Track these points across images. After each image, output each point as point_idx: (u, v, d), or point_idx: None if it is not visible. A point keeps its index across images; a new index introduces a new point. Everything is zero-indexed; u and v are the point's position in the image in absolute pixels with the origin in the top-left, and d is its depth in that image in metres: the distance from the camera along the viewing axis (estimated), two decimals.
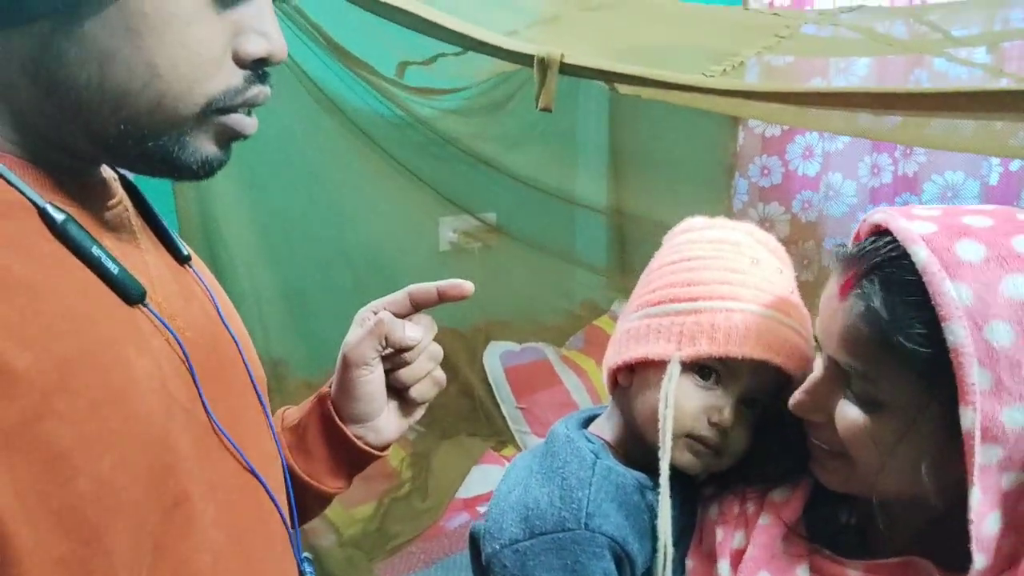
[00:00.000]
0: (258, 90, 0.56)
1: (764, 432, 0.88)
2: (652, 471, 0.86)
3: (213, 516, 0.58)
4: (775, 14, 1.69)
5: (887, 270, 0.67)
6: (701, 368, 0.85)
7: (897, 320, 0.65)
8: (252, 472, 0.64)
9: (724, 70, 1.36)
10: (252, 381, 0.70)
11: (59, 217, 0.52)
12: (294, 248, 2.30)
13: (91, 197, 0.58)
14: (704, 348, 0.83)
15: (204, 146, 0.55)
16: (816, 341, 0.79)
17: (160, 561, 0.53)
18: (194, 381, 0.59)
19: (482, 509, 2.16)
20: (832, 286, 0.73)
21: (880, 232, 0.71)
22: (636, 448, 0.91)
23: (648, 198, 2.92)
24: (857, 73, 2.30)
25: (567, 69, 1.10)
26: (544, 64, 1.11)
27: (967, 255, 0.63)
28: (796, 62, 2.17)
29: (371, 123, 2.33)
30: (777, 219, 2.55)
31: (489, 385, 2.64)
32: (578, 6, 1.78)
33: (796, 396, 0.76)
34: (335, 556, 2.02)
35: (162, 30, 0.49)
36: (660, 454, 0.83)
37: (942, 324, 0.61)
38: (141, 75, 0.50)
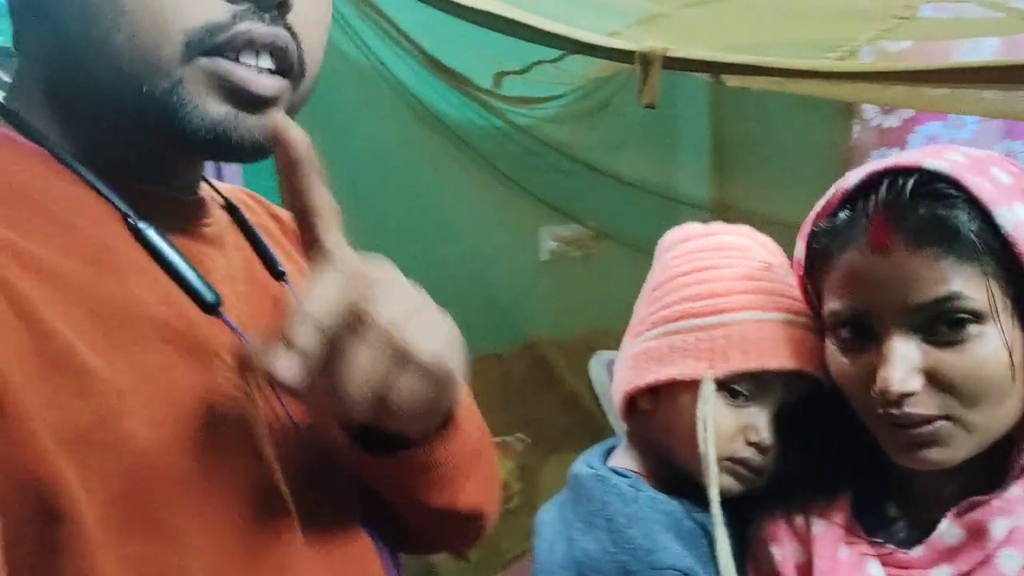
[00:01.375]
0: (248, 26, 0.49)
1: (793, 440, 0.82)
2: (691, 495, 0.82)
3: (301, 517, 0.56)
4: None
5: (923, 196, 0.67)
6: (730, 386, 0.79)
7: (955, 220, 0.66)
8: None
9: (839, 57, 1.27)
10: None
11: (140, 223, 0.52)
12: (393, 261, 2.31)
13: (185, 214, 0.58)
14: (738, 364, 0.78)
15: (207, 104, 0.50)
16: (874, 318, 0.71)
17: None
18: (275, 392, 0.57)
19: None
20: (860, 253, 0.69)
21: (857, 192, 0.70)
22: (669, 474, 0.86)
23: (755, 195, 2.80)
24: (984, 56, 2.14)
25: (671, 63, 1.05)
26: (646, 59, 1.06)
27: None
28: (914, 47, 2.03)
29: (467, 133, 2.33)
30: None
31: (596, 396, 2.59)
32: (680, 3, 1.72)
33: (888, 374, 0.69)
34: (448, 570, 2.02)
35: None
36: (705, 481, 0.78)
37: (993, 211, 0.65)
38: (108, 13, 0.47)
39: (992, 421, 0.69)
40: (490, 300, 2.50)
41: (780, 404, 0.81)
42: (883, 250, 0.67)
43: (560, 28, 1.14)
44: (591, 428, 2.57)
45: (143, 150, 0.55)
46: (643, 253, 2.70)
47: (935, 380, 0.68)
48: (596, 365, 2.65)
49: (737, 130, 2.79)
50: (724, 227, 0.90)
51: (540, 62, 2.09)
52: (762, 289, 0.81)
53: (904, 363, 0.68)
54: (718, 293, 0.82)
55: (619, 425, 2.68)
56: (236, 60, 0.50)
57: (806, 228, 0.77)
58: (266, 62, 0.51)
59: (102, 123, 0.53)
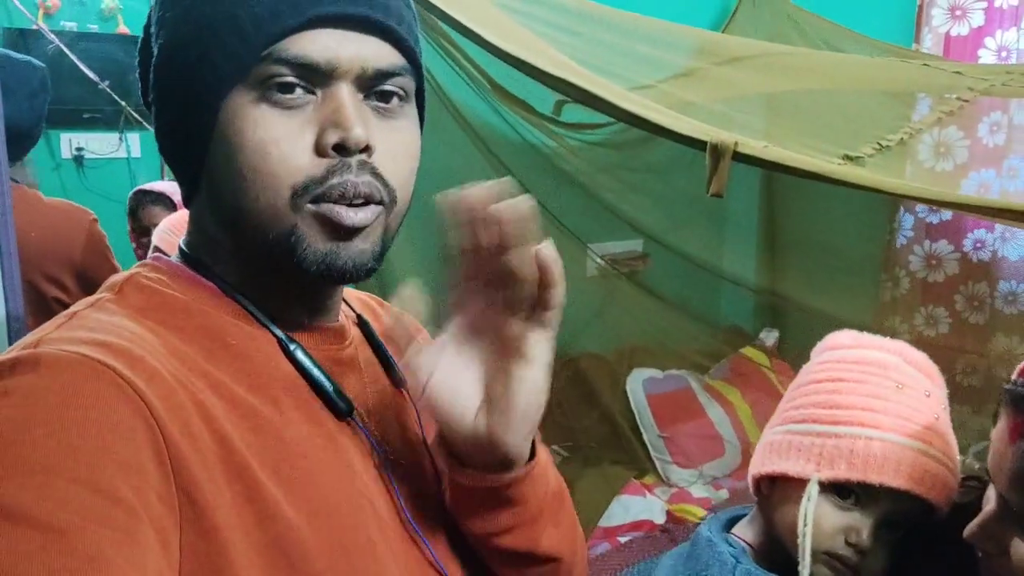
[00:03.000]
0: (339, 179, 0.58)
1: (911, 554, 0.88)
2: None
3: None
4: (957, 72, 1.59)
5: None
6: (840, 489, 0.87)
7: None
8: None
9: (901, 139, 1.32)
10: (446, 503, 0.73)
11: (291, 346, 0.63)
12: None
13: (326, 341, 0.68)
14: (843, 472, 0.85)
15: (315, 241, 0.59)
16: (988, 473, 0.78)
17: None
18: (394, 495, 0.66)
19: (623, 539, 2.19)
20: (1002, 426, 0.72)
21: None
22: (778, 553, 0.93)
23: (802, 218, 2.84)
24: None
25: (740, 157, 1.10)
26: (717, 151, 1.11)
27: None
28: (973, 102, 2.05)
29: (521, 153, 2.39)
30: (945, 257, 2.43)
31: (632, 412, 2.66)
32: (713, 60, 1.76)
33: (970, 527, 0.76)
34: None
35: (240, 141, 0.58)
36: (799, 569, 0.86)
37: None
38: (241, 175, 0.59)
39: None
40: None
41: (887, 514, 0.86)
42: (1012, 441, 0.69)
43: (637, 108, 1.20)
44: (626, 443, 2.66)
45: (286, 286, 0.65)
46: (687, 274, 2.77)
47: None
48: (633, 382, 2.73)
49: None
50: (876, 341, 0.95)
51: None
52: (885, 409, 0.87)
53: (984, 528, 0.73)
54: (840, 405, 0.89)
55: (652, 442, 2.74)
56: (335, 202, 0.59)
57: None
58: (359, 200, 0.60)
59: (252, 265, 0.64)
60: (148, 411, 0.51)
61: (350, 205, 0.59)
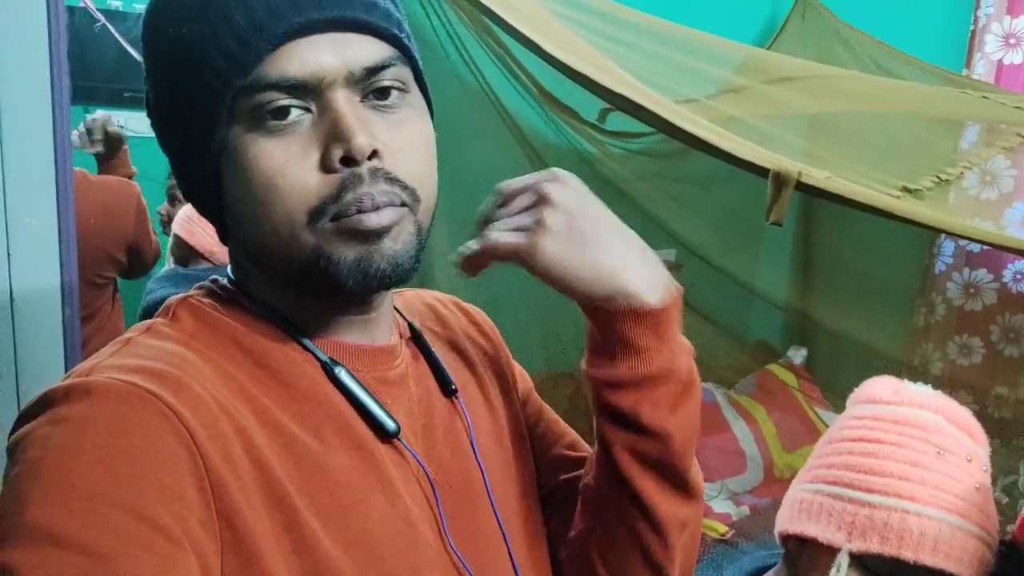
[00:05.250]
0: (353, 195, 0.57)
1: None
2: None
3: None
4: (1018, 107, 1.56)
5: None
6: (872, 561, 0.83)
7: None
8: None
9: (960, 172, 1.30)
10: (498, 520, 0.73)
11: (335, 368, 0.62)
12: (490, 280, 2.38)
13: (374, 362, 0.67)
14: (875, 546, 0.82)
15: (344, 253, 0.58)
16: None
17: None
18: (439, 518, 0.65)
19: None
20: None
21: None
22: None
23: (840, 238, 2.82)
24: None
25: (803, 187, 1.08)
26: (780, 180, 1.10)
27: None
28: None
29: (565, 158, 2.38)
30: (984, 286, 2.40)
31: None
32: (760, 78, 1.74)
33: None
34: None
35: (245, 179, 0.57)
36: None
37: None
38: (255, 213, 0.58)
39: None
40: (569, 318, 2.57)
41: None
42: None
43: (699, 130, 1.18)
44: None
45: (328, 308, 0.64)
46: (718, 286, 2.76)
47: None
48: None
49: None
50: (918, 395, 0.90)
51: None
52: (923, 479, 0.82)
53: None
54: (876, 471, 0.84)
55: None
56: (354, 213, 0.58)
57: None
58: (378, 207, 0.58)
59: (291, 291, 0.63)
60: (191, 439, 0.51)
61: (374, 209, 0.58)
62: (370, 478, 0.61)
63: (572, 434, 0.84)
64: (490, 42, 2.05)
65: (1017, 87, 2.41)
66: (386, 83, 0.59)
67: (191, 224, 1.89)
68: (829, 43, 2.69)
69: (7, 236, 1.20)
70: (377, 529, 0.60)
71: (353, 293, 0.61)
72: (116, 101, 2.52)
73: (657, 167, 2.53)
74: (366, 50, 0.58)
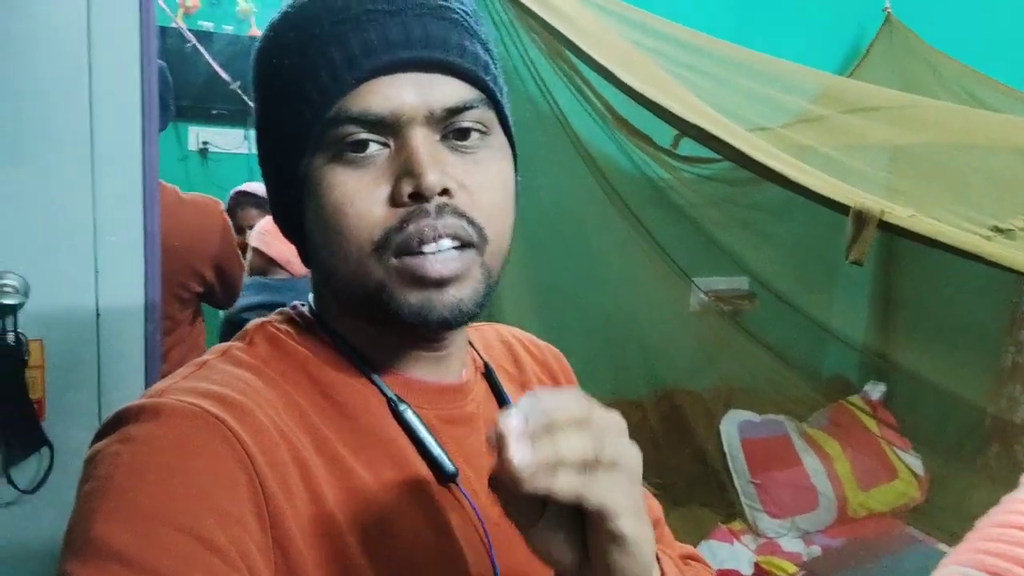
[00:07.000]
0: (416, 227, 0.57)
1: None
2: None
3: None
4: None
5: None
6: None
7: None
8: None
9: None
10: None
11: (400, 405, 0.62)
12: (562, 310, 2.38)
13: (444, 400, 0.67)
14: None
15: (405, 295, 0.58)
16: None
17: None
18: (492, 563, 0.64)
19: None
20: None
21: None
22: None
23: (922, 277, 2.72)
24: None
25: (886, 227, 1.04)
26: (861, 217, 1.06)
27: None
28: None
29: (636, 183, 2.36)
30: None
31: (724, 454, 2.59)
32: (838, 108, 1.68)
33: None
34: None
35: (319, 206, 0.59)
36: None
37: None
38: (327, 239, 0.59)
39: None
40: (637, 346, 2.55)
41: None
42: None
43: (775, 163, 1.15)
44: (717, 485, 2.59)
45: (395, 340, 0.64)
46: (793, 318, 2.69)
47: None
48: (729, 423, 2.66)
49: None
50: None
51: None
52: None
53: None
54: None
55: (743, 487, 2.67)
56: (421, 252, 0.57)
57: None
58: (446, 243, 0.58)
59: (360, 321, 0.64)
60: (251, 465, 0.53)
61: (436, 253, 0.57)
62: (422, 518, 0.61)
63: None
64: (565, 68, 2.06)
65: None
66: (467, 124, 0.59)
67: (267, 236, 1.96)
68: (917, 69, 2.60)
69: (95, 254, 1.24)
70: (422, 569, 0.59)
71: (407, 332, 0.62)
72: (202, 118, 2.61)
73: (729, 193, 2.49)
74: (449, 91, 0.58)
